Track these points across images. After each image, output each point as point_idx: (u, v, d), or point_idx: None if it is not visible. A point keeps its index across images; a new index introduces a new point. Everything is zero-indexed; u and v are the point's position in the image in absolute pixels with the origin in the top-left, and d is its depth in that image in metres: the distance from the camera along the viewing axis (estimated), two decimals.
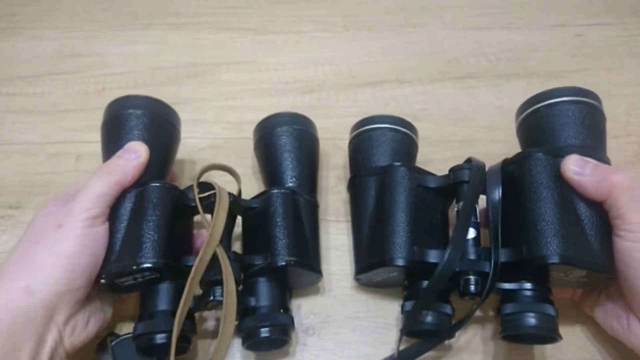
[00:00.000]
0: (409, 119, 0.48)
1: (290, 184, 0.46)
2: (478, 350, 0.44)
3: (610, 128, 0.57)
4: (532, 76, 0.63)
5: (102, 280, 0.39)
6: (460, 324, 0.41)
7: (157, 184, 0.42)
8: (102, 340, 0.40)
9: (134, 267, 0.38)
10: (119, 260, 0.39)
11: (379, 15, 0.70)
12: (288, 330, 0.41)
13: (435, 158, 0.48)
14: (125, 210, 0.41)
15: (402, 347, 0.42)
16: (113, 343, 0.39)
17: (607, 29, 0.68)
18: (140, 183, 0.42)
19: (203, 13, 0.71)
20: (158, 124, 0.46)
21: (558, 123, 0.42)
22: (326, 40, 0.67)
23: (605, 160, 0.42)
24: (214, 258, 0.40)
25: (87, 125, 0.59)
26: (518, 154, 0.42)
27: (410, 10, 0.71)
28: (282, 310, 0.41)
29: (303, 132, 0.49)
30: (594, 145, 0.42)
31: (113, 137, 0.45)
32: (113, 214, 0.41)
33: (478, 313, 0.44)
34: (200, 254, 0.39)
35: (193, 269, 0.39)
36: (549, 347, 0.43)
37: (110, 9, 0.71)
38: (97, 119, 0.59)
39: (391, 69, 0.64)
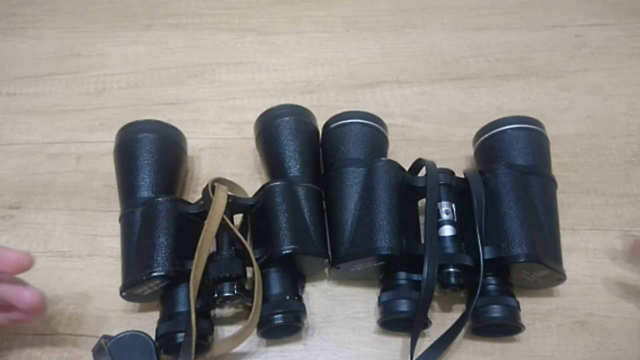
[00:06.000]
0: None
1: (293, 173, 0.47)
2: (476, 351, 0.44)
3: (610, 128, 0.58)
4: (532, 76, 0.63)
5: (123, 294, 0.42)
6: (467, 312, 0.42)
7: (161, 199, 0.44)
8: (97, 343, 0.40)
9: (144, 278, 0.41)
10: (134, 273, 0.41)
11: (379, 16, 0.71)
12: (300, 317, 0.42)
13: (435, 158, 0.48)
14: (136, 227, 0.43)
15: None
16: (108, 344, 0.39)
17: (606, 30, 0.68)
18: (146, 200, 0.44)
19: (203, 14, 0.71)
20: (167, 145, 0.49)
21: (510, 145, 0.48)
22: (326, 41, 0.68)
23: (549, 175, 0.46)
24: (214, 254, 0.43)
25: (88, 125, 0.59)
26: (490, 167, 0.46)
27: (409, 11, 0.71)
28: (294, 298, 0.42)
29: (303, 122, 0.50)
30: (538, 163, 0.47)
31: (128, 158, 0.47)
32: (124, 232, 0.44)
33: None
34: (195, 256, 0.41)
35: (193, 269, 0.41)
36: (549, 347, 0.43)
37: (110, 10, 0.71)
38: (97, 119, 0.59)
39: (391, 70, 0.64)
